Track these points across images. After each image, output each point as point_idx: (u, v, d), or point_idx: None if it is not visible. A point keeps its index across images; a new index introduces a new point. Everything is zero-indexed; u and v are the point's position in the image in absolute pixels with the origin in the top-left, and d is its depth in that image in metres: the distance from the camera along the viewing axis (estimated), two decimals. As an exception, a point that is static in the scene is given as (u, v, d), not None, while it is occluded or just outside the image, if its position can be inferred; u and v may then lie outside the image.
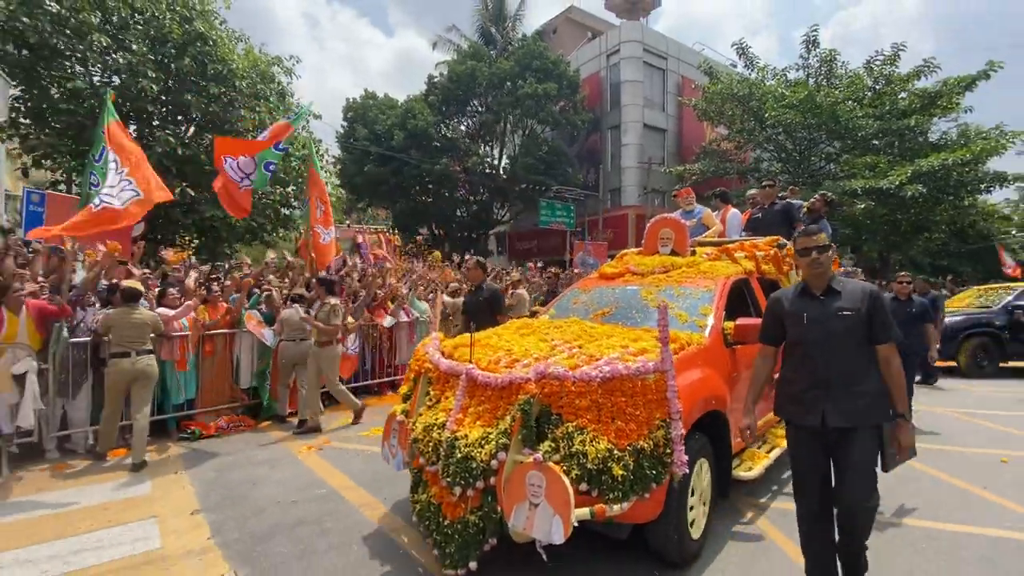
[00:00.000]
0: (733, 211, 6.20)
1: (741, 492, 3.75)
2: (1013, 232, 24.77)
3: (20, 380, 4.28)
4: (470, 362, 2.83)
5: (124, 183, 5.37)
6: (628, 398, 2.43)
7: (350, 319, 6.39)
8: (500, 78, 20.17)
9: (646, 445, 2.36)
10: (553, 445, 2.37)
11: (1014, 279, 16.09)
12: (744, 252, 4.50)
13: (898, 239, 18.00)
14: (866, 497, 2.32)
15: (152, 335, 4.86)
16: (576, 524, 2.21)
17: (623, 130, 22.32)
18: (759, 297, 4.23)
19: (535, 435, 2.44)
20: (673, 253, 4.51)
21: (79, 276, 5.40)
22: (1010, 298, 9.70)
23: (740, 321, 3.36)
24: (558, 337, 3.22)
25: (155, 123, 11.53)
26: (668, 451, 2.39)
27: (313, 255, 7.38)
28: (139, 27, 10.64)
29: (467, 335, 3.54)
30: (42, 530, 3.41)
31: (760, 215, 5.79)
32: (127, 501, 3.88)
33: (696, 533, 2.86)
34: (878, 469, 2.41)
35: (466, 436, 2.54)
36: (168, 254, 7.63)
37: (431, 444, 2.68)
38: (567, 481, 2.23)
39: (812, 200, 5.89)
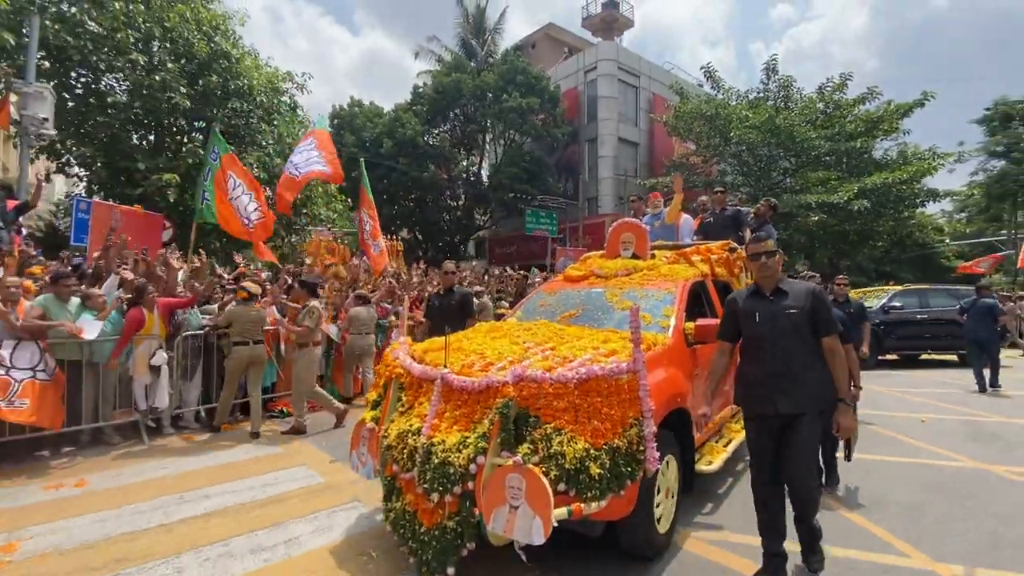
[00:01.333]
0: (685, 217, 6.47)
1: (703, 485, 3.92)
2: (947, 240, 27.54)
3: (154, 367, 5.22)
4: (445, 366, 2.81)
5: (252, 205, 6.62)
6: (604, 398, 2.49)
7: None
8: (483, 90, 21.52)
9: (621, 444, 2.43)
10: (532, 447, 2.39)
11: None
12: (700, 256, 4.71)
13: (846, 247, 20.30)
14: (805, 475, 2.61)
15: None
16: (555, 524, 2.24)
17: (600, 143, 23.86)
18: (714, 298, 4.44)
19: (513, 437, 2.46)
20: (634, 256, 4.66)
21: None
22: (885, 300, 11.24)
23: (700, 322, 3.52)
24: (529, 339, 3.25)
25: (184, 137, 12.37)
26: (641, 449, 2.47)
27: (369, 263, 8.42)
28: (167, 45, 11.51)
29: (437, 339, 3.53)
30: (223, 474, 4.23)
31: (712, 220, 6.08)
32: (269, 457, 4.75)
33: (664, 527, 2.97)
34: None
35: (443, 442, 2.52)
36: (239, 259, 8.90)
37: (406, 451, 2.63)
38: (547, 482, 2.26)
39: (758, 205, 6.25)
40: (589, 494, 2.33)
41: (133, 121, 11.61)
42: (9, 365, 4.36)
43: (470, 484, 2.42)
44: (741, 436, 3.98)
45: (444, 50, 25.39)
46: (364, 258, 8.71)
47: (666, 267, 4.33)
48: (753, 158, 19.40)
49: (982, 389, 7.95)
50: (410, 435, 2.67)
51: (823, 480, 3.91)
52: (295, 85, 14.01)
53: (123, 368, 5.23)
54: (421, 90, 23.10)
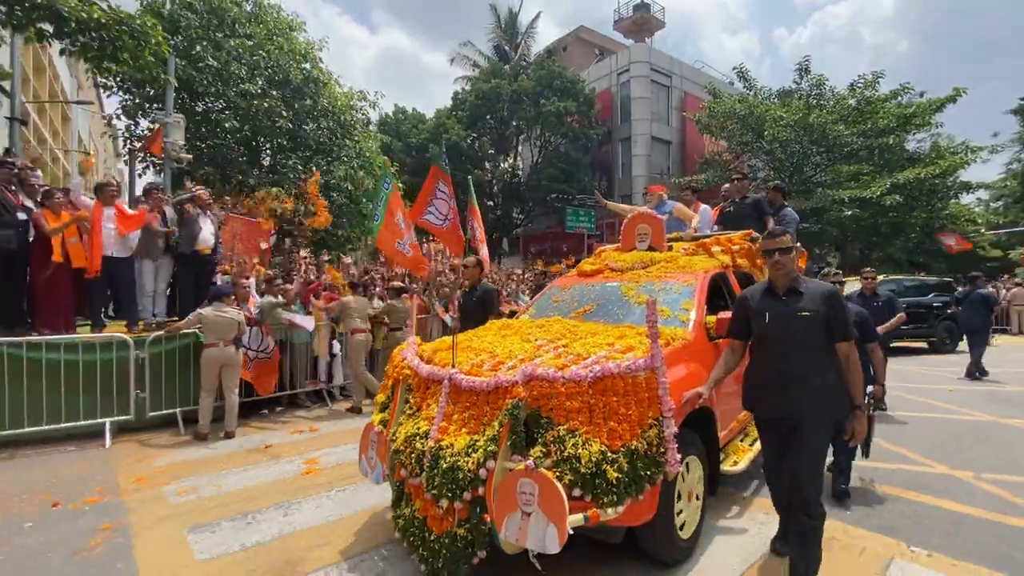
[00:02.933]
0: (703, 207, 6.24)
1: (728, 486, 3.74)
2: (982, 231, 26.91)
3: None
4: (453, 367, 2.70)
5: (407, 237, 7.48)
6: (620, 397, 2.35)
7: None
8: (521, 95, 22.82)
9: (639, 445, 2.28)
10: (544, 450, 2.26)
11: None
12: (720, 246, 4.51)
13: (878, 239, 20.50)
14: (806, 483, 2.44)
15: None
16: (571, 532, 2.11)
17: (633, 142, 24.57)
18: (736, 290, 4.24)
19: (524, 440, 2.33)
20: (650, 248, 4.48)
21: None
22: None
23: (722, 315, 3.34)
24: (542, 336, 3.12)
25: (280, 155, 13.87)
26: (662, 450, 2.32)
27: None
28: (266, 72, 13.07)
29: (447, 338, 3.42)
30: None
31: (732, 209, 5.84)
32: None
33: (687, 532, 2.81)
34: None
35: (451, 445, 2.40)
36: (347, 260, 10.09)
37: (414, 455, 2.53)
38: (560, 487, 2.13)
39: (766, 194, 6.02)
40: (606, 499, 2.19)
41: (240, 141, 13.51)
42: (247, 346, 5.90)
43: (480, 490, 2.30)
44: (746, 453, 3.79)
45: (478, 55, 26.55)
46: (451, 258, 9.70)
47: (684, 259, 4.15)
48: (785, 154, 19.82)
49: (982, 374, 8.21)
50: (417, 439, 2.56)
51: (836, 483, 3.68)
52: (368, 103, 15.70)
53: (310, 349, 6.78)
54: (461, 96, 24.39)
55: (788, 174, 20.19)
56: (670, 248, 4.53)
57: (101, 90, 13.55)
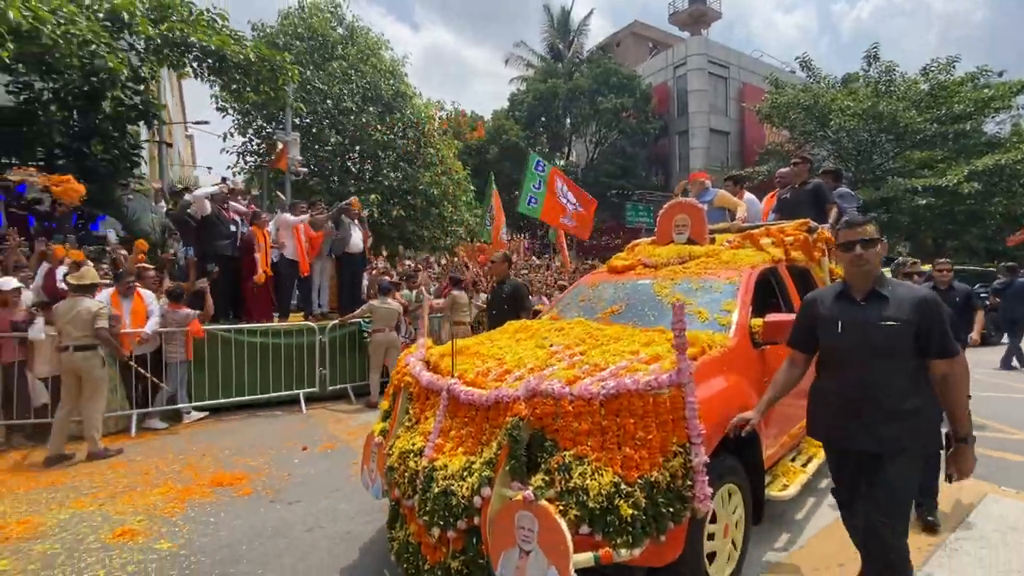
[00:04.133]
0: (749, 196, 5.68)
1: (773, 512, 3.29)
2: None
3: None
4: (452, 376, 2.43)
5: (571, 207, 8.56)
6: (638, 419, 2.00)
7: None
8: (576, 93, 23.18)
9: (661, 477, 1.93)
10: (547, 478, 1.96)
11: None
12: (771, 238, 4.00)
13: (954, 227, 19.44)
14: (887, 532, 1.99)
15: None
16: (577, 569, 1.80)
17: (691, 135, 24.35)
18: (790, 288, 3.75)
19: (525, 465, 2.03)
20: (690, 241, 4.03)
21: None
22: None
23: (770, 317, 2.90)
24: (559, 341, 2.80)
25: (372, 164, 15.47)
26: (688, 483, 1.96)
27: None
28: (361, 89, 14.88)
29: (466, 340, 3.17)
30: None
31: (788, 196, 5.24)
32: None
33: (724, 570, 2.43)
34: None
35: (445, 466, 2.15)
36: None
37: (407, 474, 2.29)
38: (564, 525, 1.82)
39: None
40: (619, 540, 1.86)
41: (338, 153, 15.22)
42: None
43: (476, 519, 2.03)
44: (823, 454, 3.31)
45: (532, 54, 27.13)
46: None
47: (728, 253, 3.69)
48: (852, 142, 18.99)
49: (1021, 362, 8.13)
50: (412, 456, 2.32)
51: (920, 511, 3.13)
52: (445, 113, 17.74)
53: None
54: (518, 96, 25.05)
55: (855, 162, 19.30)
56: (712, 241, 4.07)
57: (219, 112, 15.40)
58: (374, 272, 9.31)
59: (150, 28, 8.03)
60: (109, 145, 8.50)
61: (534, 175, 8.87)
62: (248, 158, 15.80)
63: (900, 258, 4.60)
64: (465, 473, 2.08)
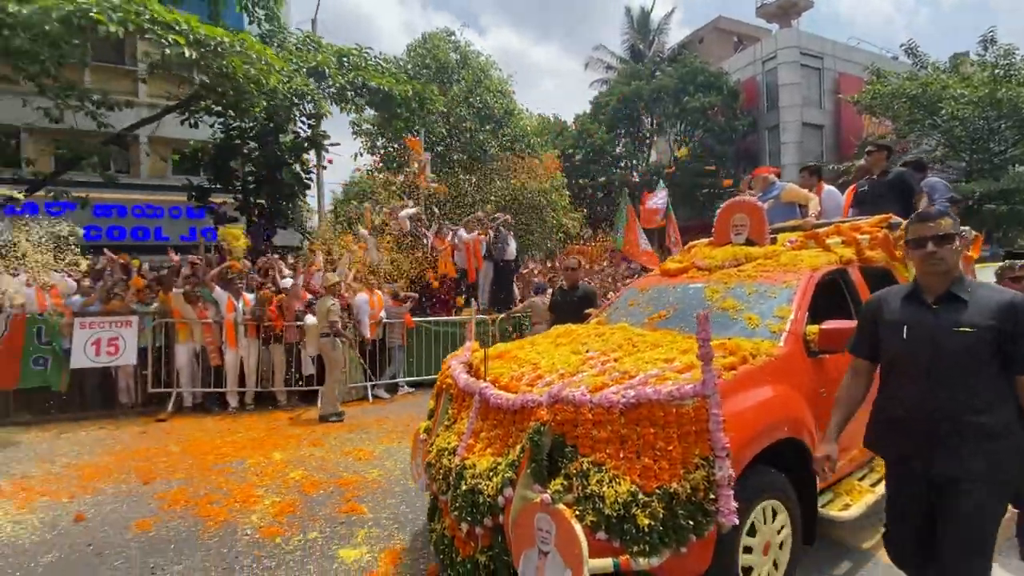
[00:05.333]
0: (828, 189, 5.23)
1: (840, 534, 3.06)
2: None
3: None
4: (484, 379, 2.55)
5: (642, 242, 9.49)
6: (659, 430, 1.99)
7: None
8: (661, 93, 22.94)
9: (681, 489, 1.91)
10: (566, 483, 2.01)
11: None
12: (841, 236, 3.70)
13: None
14: (964, 569, 1.78)
15: None
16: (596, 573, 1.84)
17: (782, 129, 23.36)
18: (862, 292, 3.44)
19: (547, 469, 2.10)
20: (748, 243, 3.83)
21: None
22: None
23: (827, 325, 2.71)
24: (597, 347, 2.83)
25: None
26: (711, 497, 1.93)
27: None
28: (476, 108, 16.57)
29: (508, 344, 3.29)
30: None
31: (867, 188, 4.78)
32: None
33: (766, 591, 2.33)
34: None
35: (474, 465, 2.27)
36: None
37: (442, 471, 2.45)
38: (579, 529, 1.87)
39: (861, 161, 4.84)
40: (636, 548, 1.88)
41: (461, 169, 17.03)
42: None
43: (501, 517, 2.14)
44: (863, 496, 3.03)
45: (611, 56, 27.10)
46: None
47: (789, 254, 3.47)
48: (966, 131, 17.07)
49: None
50: (447, 454, 2.47)
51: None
52: (550, 127, 18.83)
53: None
54: (602, 99, 25.08)
55: (968, 152, 17.46)
56: (774, 241, 3.84)
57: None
58: (525, 273, 10.82)
59: (340, 78, 10.09)
60: (289, 170, 10.34)
61: (622, 212, 9.90)
62: (378, 175, 17.77)
63: (1007, 261, 3.93)
64: (491, 473, 2.19)
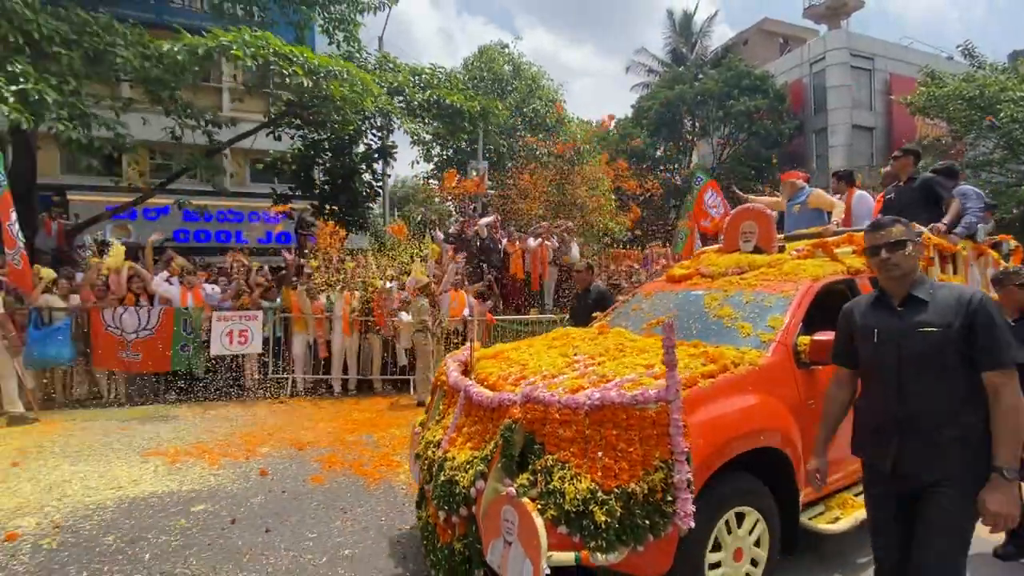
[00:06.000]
0: (860, 194, 5.04)
1: (827, 549, 3.01)
2: None
3: None
4: (469, 377, 2.70)
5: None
6: (621, 431, 2.08)
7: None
8: (705, 96, 22.82)
9: (639, 489, 1.99)
10: (532, 478, 2.13)
11: None
12: (852, 246, 3.61)
13: None
14: (937, 571, 1.79)
15: None
16: (547, 571, 1.95)
17: (830, 132, 22.87)
18: (870, 302, 3.36)
19: (517, 464, 2.22)
20: (756, 250, 3.80)
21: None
22: None
23: (818, 336, 2.69)
24: (586, 351, 2.91)
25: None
26: (669, 499, 1.99)
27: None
28: (529, 117, 17.80)
29: (503, 345, 3.42)
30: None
31: (894, 195, 4.60)
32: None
33: (736, 597, 2.36)
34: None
35: (454, 458, 2.42)
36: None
37: (427, 462, 2.61)
38: (539, 522, 1.98)
39: (888, 166, 4.61)
40: (594, 544, 1.97)
41: (514, 176, 18.10)
42: None
43: (474, 508, 2.27)
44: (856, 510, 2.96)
45: (653, 59, 27.04)
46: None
47: (792, 263, 3.42)
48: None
49: None
50: (432, 446, 2.63)
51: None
52: (594, 133, 19.27)
53: None
54: (645, 103, 25.15)
55: None
56: (782, 249, 3.79)
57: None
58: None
59: (418, 96, 10.91)
60: (360, 179, 11.43)
61: (693, 189, 9.54)
62: (432, 181, 19.41)
63: (1008, 266, 3.63)
64: (468, 466, 2.33)
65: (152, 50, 7.80)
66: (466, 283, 8.05)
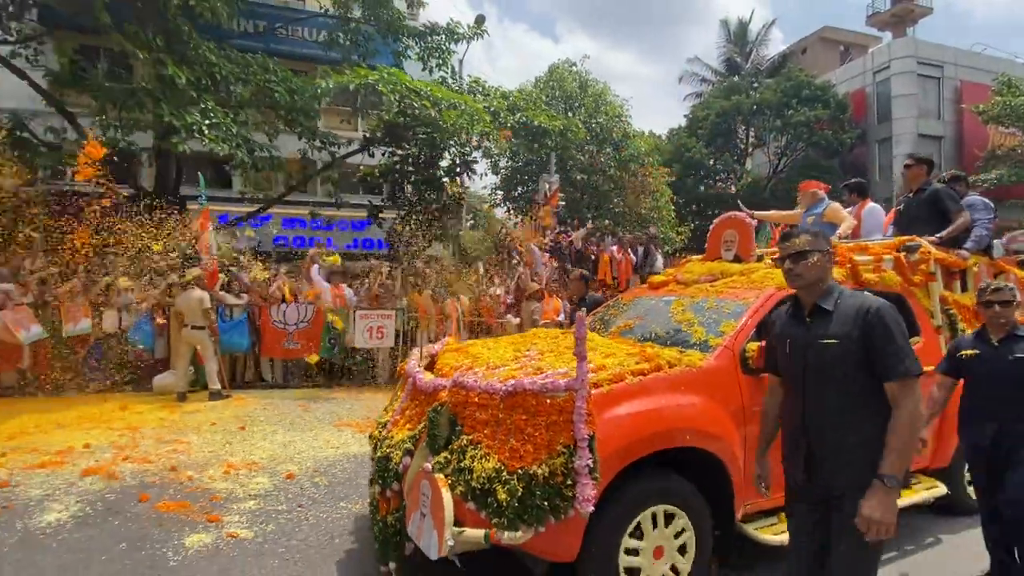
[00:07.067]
0: (871, 206, 4.84)
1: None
2: None
3: None
4: (419, 367, 2.89)
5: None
6: (530, 417, 2.20)
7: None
8: (762, 106, 22.61)
9: (540, 472, 2.09)
10: (449, 456, 2.28)
11: None
12: (837, 257, 3.51)
13: None
14: None
15: None
16: (451, 543, 2.08)
17: (895, 142, 22.10)
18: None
19: (442, 443, 2.38)
20: (736, 259, 3.78)
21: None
22: None
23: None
24: (539, 348, 3.04)
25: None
26: (569, 483, 2.08)
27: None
28: (596, 132, 18.21)
29: (475, 342, 3.60)
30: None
31: (902, 207, 4.39)
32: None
33: (657, 594, 2.38)
34: None
35: (391, 437, 2.61)
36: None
37: (375, 441, 2.82)
38: (447, 496, 2.13)
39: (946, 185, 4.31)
40: (497, 521, 2.09)
41: (582, 190, 19.07)
42: None
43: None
44: None
45: (706, 69, 26.81)
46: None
47: (762, 272, 3.38)
48: None
49: None
50: (380, 427, 2.84)
51: None
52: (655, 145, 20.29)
53: None
54: (698, 113, 25.10)
55: None
56: (760, 258, 3.74)
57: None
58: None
59: (510, 118, 11.80)
60: (445, 191, 12.43)
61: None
62: (498, 192, 20.90)
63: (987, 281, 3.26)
64: (402, 444, 2.52)
65: (295, 83, 9.42)
66: (559, 289, 8.59)
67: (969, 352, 2.67)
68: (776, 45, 42.85)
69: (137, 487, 3.77)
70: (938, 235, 3.82)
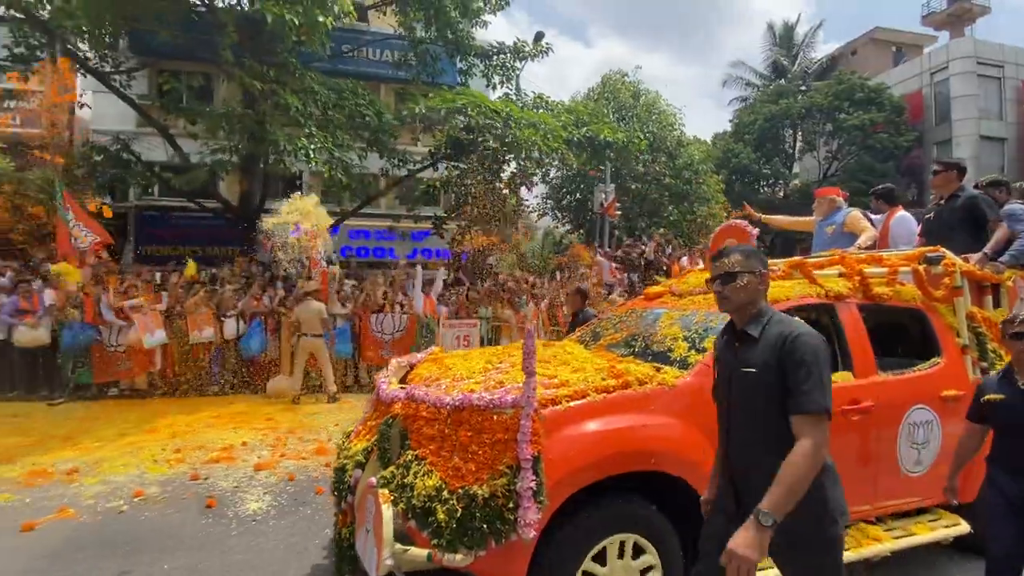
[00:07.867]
0: (901, 215, 4.45)
1: None
2: None
3: None
4: (383, 378, 2.84)
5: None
6: (475, 434, 2.10)
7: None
8: (811, 110, 22.18)
9: (481, 492, 1.99)
10: (396, 471, 2.21)
11: None
12: (843, 268, 3.24)
13: None
14: None
15: None
16: (389, 562, 2.01)
17: (954, 144, 21.34)
18: (851, 333, 2.99)
19: (392, 457, 2.31)
20: (736, 270, 3.55)
21: None
22: None
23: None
24: (511, 361, 2.93)
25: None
26: (511, 506, 1.97)
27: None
28: (649, 139, 18.16)
29: (456, 352, 3.54)
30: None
31: (932, 216, 4.01)
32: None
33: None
34: None
35: (349, 448, 2.57)
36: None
37: (339, 451, 2.78)
38: (388, 512, 2.05)
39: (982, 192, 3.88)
40: (436, 541, 2.00)
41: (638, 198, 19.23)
42: None
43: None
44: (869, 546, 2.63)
45: (751, 73, 26.36)
46: None
47: (759, 284, 3.16)
48: None
49: None
50: (344, 436, 2.80)
51: None
52: (706, 152, 20.60)
53: None
54: (744, 117, 24.73)
55: None
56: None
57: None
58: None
59: (576, 133, 12.30)
60: (506, 202, 13.01)
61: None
62: (547, 201, 21.39)
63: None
64: (355, 456, 2.47)
65: (380, 105, 10.56)
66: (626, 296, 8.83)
67: (992, 397, 2.33)
68: (821, 47, 41.55)
69: (307, 481, 4.10)
70: (985, 250, 3.45)
